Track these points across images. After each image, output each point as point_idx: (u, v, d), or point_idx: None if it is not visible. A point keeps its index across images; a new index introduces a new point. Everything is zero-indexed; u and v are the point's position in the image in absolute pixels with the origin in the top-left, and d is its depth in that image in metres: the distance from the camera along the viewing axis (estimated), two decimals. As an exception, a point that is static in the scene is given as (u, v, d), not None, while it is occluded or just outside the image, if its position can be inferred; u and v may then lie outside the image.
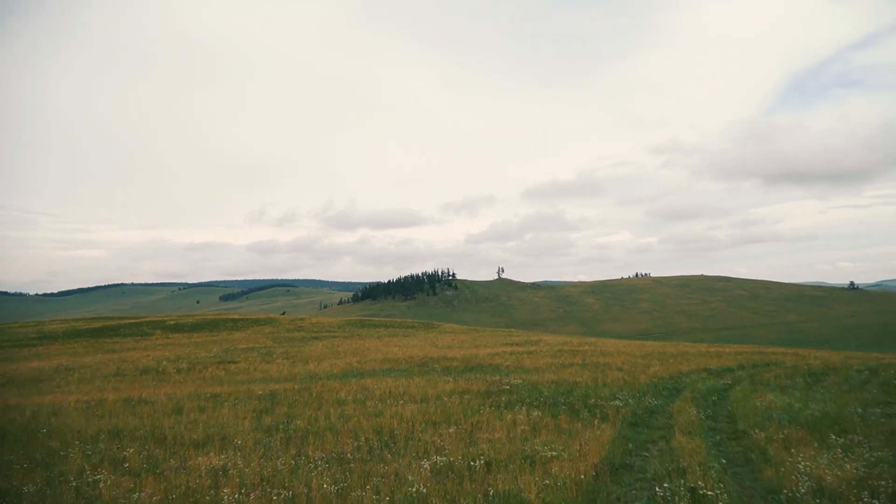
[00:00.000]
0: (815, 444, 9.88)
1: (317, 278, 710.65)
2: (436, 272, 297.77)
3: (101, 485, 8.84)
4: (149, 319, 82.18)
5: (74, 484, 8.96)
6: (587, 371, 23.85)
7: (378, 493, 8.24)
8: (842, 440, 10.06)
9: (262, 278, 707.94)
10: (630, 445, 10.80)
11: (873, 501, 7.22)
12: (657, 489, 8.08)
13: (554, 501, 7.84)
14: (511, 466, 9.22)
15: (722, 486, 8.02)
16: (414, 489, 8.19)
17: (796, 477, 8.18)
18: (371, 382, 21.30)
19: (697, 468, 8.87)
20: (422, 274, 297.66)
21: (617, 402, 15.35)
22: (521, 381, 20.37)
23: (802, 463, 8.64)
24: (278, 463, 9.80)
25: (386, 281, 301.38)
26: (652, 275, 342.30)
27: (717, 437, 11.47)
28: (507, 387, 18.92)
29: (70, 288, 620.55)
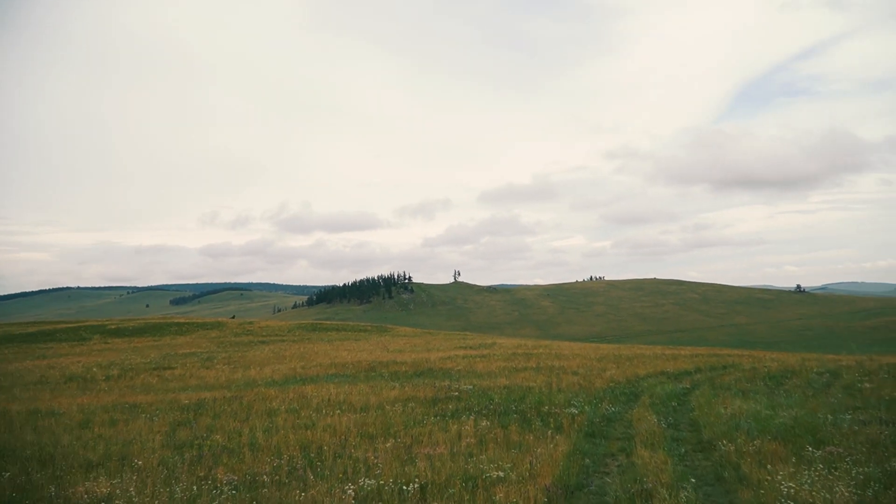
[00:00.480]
0: (793, 459, 8.81)
1: (271, 282, 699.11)
2: (392, 275, 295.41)
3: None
4: (88, 324, 78.58)
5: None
6: (541, 375, 22.76)
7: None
8: (819, 453, 9.03)
9: (214, 282, 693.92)
10: (587, 461, 9.60)
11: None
12: (619, 516, 6.87)
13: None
14: (450, 491, 7.90)
15: (693, 511, 6.85)
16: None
17: (781, 502, 7.05)
18: (311, 389, 19.80)
19: (664, 490, 7.71)
20: (378, 277, 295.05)
21: (572, 409, 14.20)
22: (471, 387, 19.13)
23: (784, 483, 7.52)
24: (177, 489, 8.29)
25: (342, 284, 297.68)
26: (606, 278, 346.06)
27: (682, 450, 10.37)
28: (457, 393, 17.65)
29: (12, 292, 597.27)
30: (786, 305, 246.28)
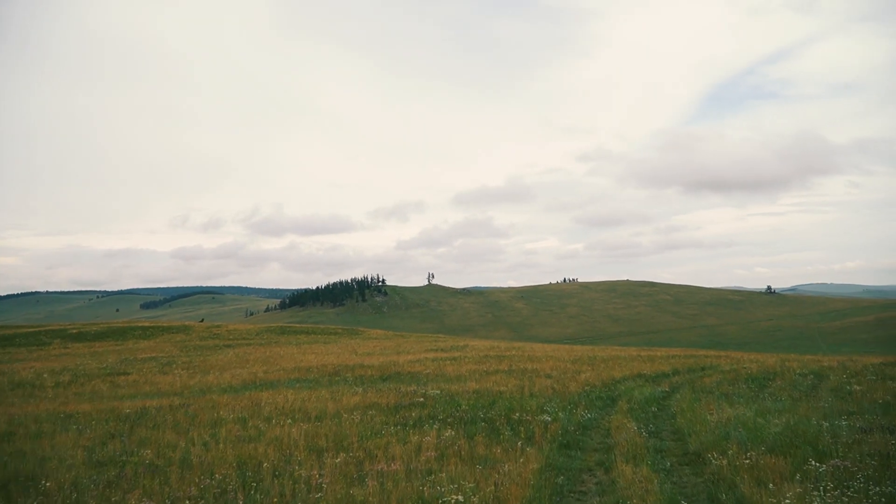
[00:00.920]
0: (797, 476, 7.73)
1: (244, 285, 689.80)
2: (365, 278, 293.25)
3: None
4: (49, 328, 75.93)
5: None
6: (513, 379, 21.64)
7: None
8: (824, 467, 7.96)
9: (186, 285, 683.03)
10: (561, 479, 8.45)
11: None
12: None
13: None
14: (400, 520, 6.69)
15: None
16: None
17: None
18: (267, 396, 18.44)
19: (652, 517, 6.57)
20: (351, 280, 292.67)
21: (545, 416, 13.06)
22: (438, 392, 17.93)
23: (794, 509, 6.43)
24: (77, 520, 6.96)
25: (315, 287, 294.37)
26: (579, 280, 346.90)
27: (668, 463, 9.27)
28: (422, 399, 16.43)
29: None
30: (756, 306, 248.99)
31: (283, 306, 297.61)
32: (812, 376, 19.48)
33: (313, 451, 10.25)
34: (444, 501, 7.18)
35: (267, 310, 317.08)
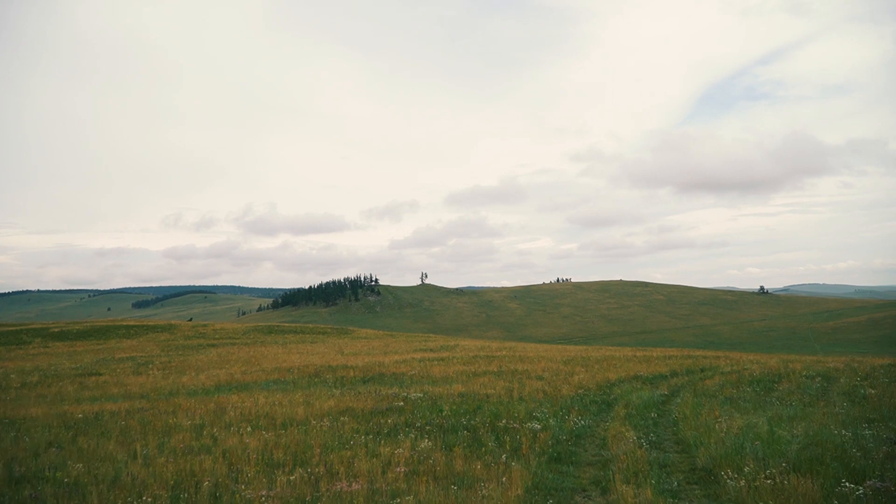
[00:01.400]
0: (835, 502, 6.48)
1: (237, 284, 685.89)
2: (358, 278, 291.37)
3: None
4: (31, 327, 74.41)
5: None
6: (502, 381, 20.38)
7: None
8: (861, 490, 6.71)
9: (178, 285, 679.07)
10: (550, 503, 7.17)
11: None
12: None
13: None
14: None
15: None
16: None
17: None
18: (237, 399, 17.12)
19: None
20: (344, 280, 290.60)
21: (534, 423, 11.80)
22: (421, 395, 16.65)
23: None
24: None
25: (307, 287, 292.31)
26: (573, 280, 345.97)
27: (674, 482, 8.01)
28: (402, 403, 15.15)
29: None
30: (749, 307, 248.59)
31: (275, 306, 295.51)
32: (820, 378, 18.28)
33: (268, 467, 8.94)
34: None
35: (259, 309, 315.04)
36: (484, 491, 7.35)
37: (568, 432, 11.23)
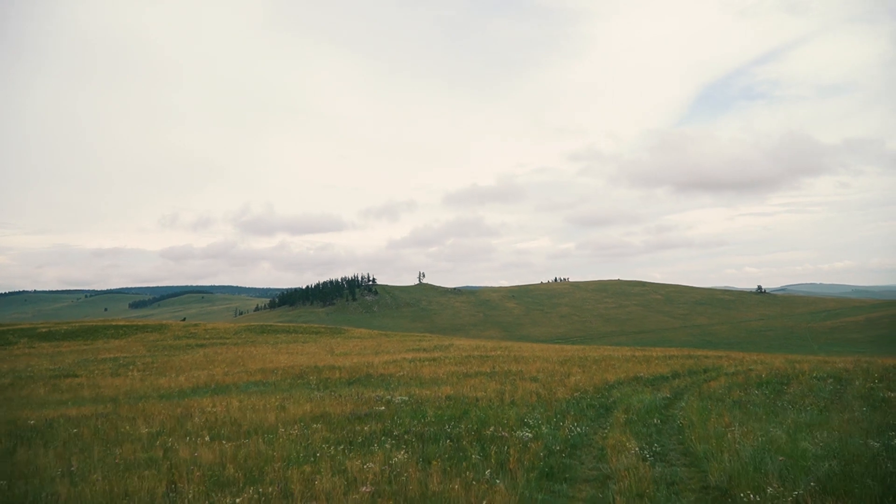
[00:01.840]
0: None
1: (234, 284, 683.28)
2: (356, 277, 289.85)
3: None
4: (19, 327, 73.14)
5: None
6: (494, 382, 19.23)
7: None
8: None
9: (175, 285, 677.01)
10: (538, 535, 6.02)
11: None
12: None
13: None
14: None
15: None
16: None
17: None
18: (209, 403, 15.96)
19: None
20: (341, 279, 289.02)
21: (525, 431, 10.64)
22: (405, 398, 15.50)
23: None
24: None
25: (305, 287, 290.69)
26: (571, 279, 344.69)
27: (685, 505, 6.85)
28: (383, 408, 13.99)
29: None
30: (747, 306, 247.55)
31: (272, 306, 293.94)
32: (831, 380, 17.15)
33: (215, 485, 7.77)
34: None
35: (256, 309, 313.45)
36: (459, 519, 6.19)
37: (562, 441, 10.08)
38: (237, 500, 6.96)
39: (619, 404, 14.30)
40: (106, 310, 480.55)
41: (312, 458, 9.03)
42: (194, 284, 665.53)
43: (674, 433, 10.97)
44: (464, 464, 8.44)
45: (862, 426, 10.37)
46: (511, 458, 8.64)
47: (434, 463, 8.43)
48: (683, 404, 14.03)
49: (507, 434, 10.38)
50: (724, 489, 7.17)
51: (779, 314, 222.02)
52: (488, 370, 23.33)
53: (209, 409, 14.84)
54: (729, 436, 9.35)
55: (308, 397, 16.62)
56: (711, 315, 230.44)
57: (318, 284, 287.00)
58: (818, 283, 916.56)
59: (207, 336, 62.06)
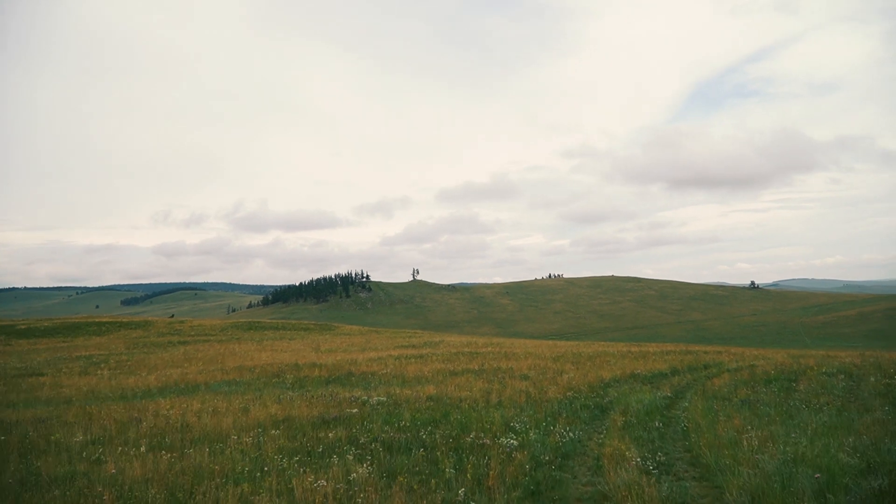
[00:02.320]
0: None
1: (227, 281, 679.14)
2: (349, 274, 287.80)
3: None
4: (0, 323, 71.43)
5: None
6: (482, 381, 17.92)
7: None
8: None
9: (168, 281, 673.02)
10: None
11: None
12: None
13: None
14: None
15: None
16: None
17: None
18: (165, 405, 14.58)
19: None
20: (335, 276, 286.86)
21: (510, 438, 9.33)
22: (384, 399, 14.18)
23: None
24: None
25: (298, 283, 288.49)
26: (565, 276, 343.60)
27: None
28: (356, 410, 12.66)
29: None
30: (740, 302, 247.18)
31: (265, 302, 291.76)
32: (842, 376, 15.91)
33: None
34: None
35: (249, 306, 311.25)
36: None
37: (552, 450, 8.76)
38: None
39: (615, 404, 13.00)
40: (97, 307, 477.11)
41: (259, 473, 7.69)
42: (187, 281, 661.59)
43: (679, 438, 9.68)
44: (434, 480, 7.11)
45: (890, 429, 9.14)
46: (491, 473, 7.32)
47: (400, 479, 7.12)
48: (687, 404, 12.74)
49: (489, 441, 9.08)
50: (747, 514, 5.86)
51: (772, 309, 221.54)
52: (476, 367, 22.03)
53: (164, 411, 13.47)
54: (745, 443, 8.05)
55: (278, 398, 15.27)
56: (705, 310, 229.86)
57: (311, 281, 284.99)
58: (810, 278, 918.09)
59: (192, 333, 60.57)
